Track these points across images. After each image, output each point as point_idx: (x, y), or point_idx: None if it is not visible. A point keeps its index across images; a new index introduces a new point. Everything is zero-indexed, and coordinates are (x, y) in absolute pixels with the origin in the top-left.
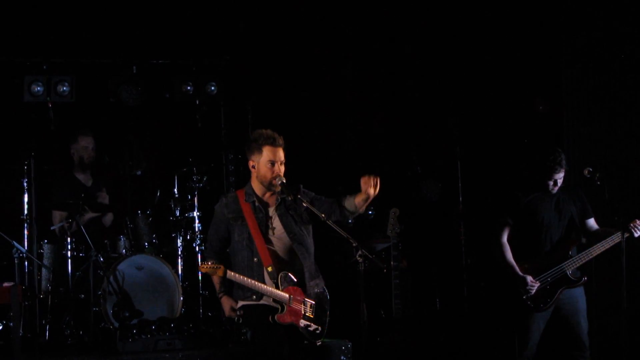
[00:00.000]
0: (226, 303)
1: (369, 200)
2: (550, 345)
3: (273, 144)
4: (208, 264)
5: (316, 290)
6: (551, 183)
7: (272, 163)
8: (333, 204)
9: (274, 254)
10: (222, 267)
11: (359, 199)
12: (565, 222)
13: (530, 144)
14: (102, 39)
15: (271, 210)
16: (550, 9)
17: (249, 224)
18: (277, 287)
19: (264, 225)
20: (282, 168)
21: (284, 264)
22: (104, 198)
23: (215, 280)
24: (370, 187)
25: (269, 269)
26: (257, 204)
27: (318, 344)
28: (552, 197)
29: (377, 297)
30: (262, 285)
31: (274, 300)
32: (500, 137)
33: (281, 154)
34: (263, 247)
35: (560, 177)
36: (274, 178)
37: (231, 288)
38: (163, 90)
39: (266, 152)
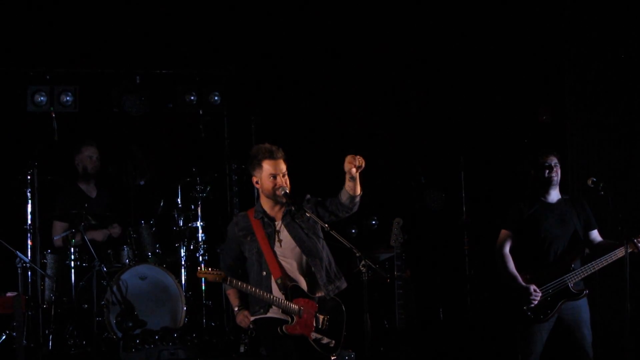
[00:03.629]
0: (241, 315)
1: (357, 180)
2: (554, 356)
3: (271, 157)
4: (208, 269)
5: (332, 300)
6: (547, 171)
7: (274, 176)
8: (334, 203)
9: (283, 266)
10: (222, 273)
11: (347, 184)
12: (569, 234)
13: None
14: (106, 49)
15: (278, 224)
16: (552, 18)
17: (258, 238)
18: (286, 299)
19: (273, 239)
20: (286, 179)
21: (296, 274)
22: (116, 228)
23: (232, 296)
24: (353, 167)
25: (278, 281)
26: (265, 219)
27: (333, 358)
28: (556, 208)
29: (380, 307)
30: (269, 295)
31: (284, 312)
32: (504, 146)
33: (282, 166)
34: (272, 260)
35: (553, 161)
36: (277, 189)
37: (247, 304)
38: (166, 100)
39: (266, 166)
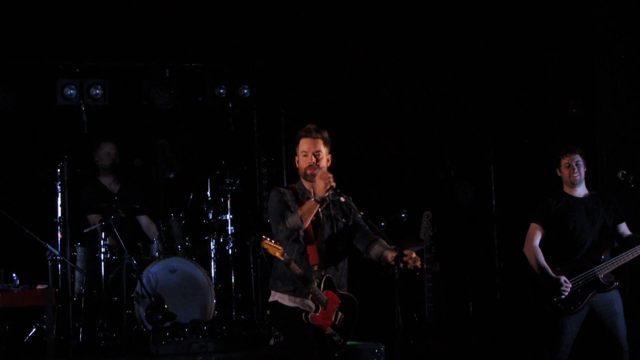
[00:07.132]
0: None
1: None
2: (589, 349)
3: (307, 135)
4: (271, 240)
5: (351, 300)
6: (568, 172)
7: (305, 154)
8: (365, 237)
9: (321, 254)
10: (282, 248)
11: (384, 259)
12: (598, 227)
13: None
14: (135, 42)
15: (322, 210)
16: (583, 9)
17: None
18: (319, 287)
19: (317, 224)
20: (321, 159)
21: (329, 265)
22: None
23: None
24: (405, 264)
25: (315, 267)
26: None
27: (335, 355)
28: (583, 203)
29: (410, 301)
30: (312, 282)
31: (312, 299)
32: (534, 139)
33: (317, 146)
34: (313, 244)
35: (575, 160)
36: (309, 167)
37: None
38: (196, 94)
39: (301, 143)
